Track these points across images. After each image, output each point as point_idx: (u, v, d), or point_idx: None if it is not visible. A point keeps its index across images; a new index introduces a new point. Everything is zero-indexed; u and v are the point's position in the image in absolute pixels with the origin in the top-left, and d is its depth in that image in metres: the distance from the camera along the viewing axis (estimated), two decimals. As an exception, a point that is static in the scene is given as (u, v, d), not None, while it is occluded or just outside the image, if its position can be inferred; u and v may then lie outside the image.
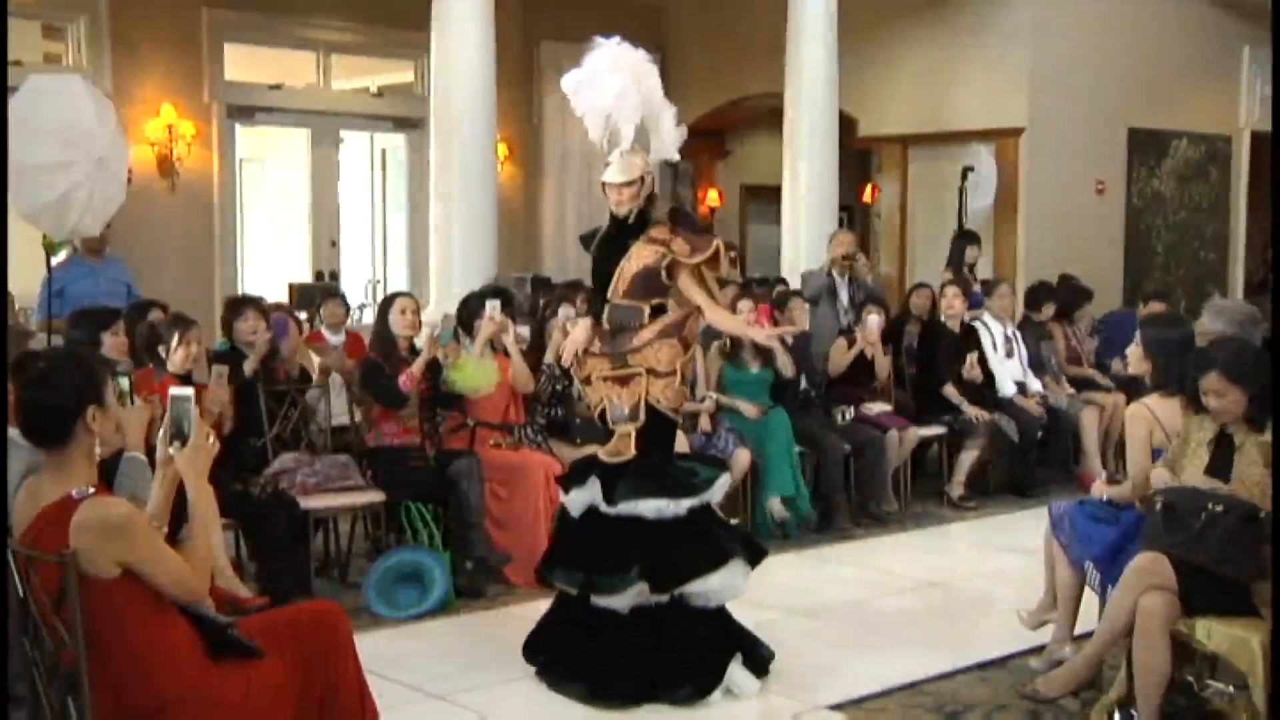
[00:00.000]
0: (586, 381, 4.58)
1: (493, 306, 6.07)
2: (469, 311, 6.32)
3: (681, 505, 4.36)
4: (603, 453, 4.48)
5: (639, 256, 4.48)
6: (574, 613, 4.44)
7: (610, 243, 4.55)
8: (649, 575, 4.26)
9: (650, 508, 4.33)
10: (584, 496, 4.46)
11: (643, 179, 4.48)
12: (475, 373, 5.93)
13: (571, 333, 4.66)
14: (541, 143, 11.44)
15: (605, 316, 4.53)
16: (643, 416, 4.44)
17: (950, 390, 7.74)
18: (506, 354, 6.16)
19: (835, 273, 8.16)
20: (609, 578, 4.29)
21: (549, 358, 6.35)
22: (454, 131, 7.96)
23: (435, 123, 8.18)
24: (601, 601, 4.31)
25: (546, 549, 4.76)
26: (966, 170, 10.05)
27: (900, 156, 10.97)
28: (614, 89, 4.41)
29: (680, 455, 4.85)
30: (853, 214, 13.49)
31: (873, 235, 11.60)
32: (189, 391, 3.05)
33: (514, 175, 11.32)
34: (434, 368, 5.93)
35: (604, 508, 4.38)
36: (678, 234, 4.52)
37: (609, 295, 4.52)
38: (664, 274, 4.47)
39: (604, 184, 4.51)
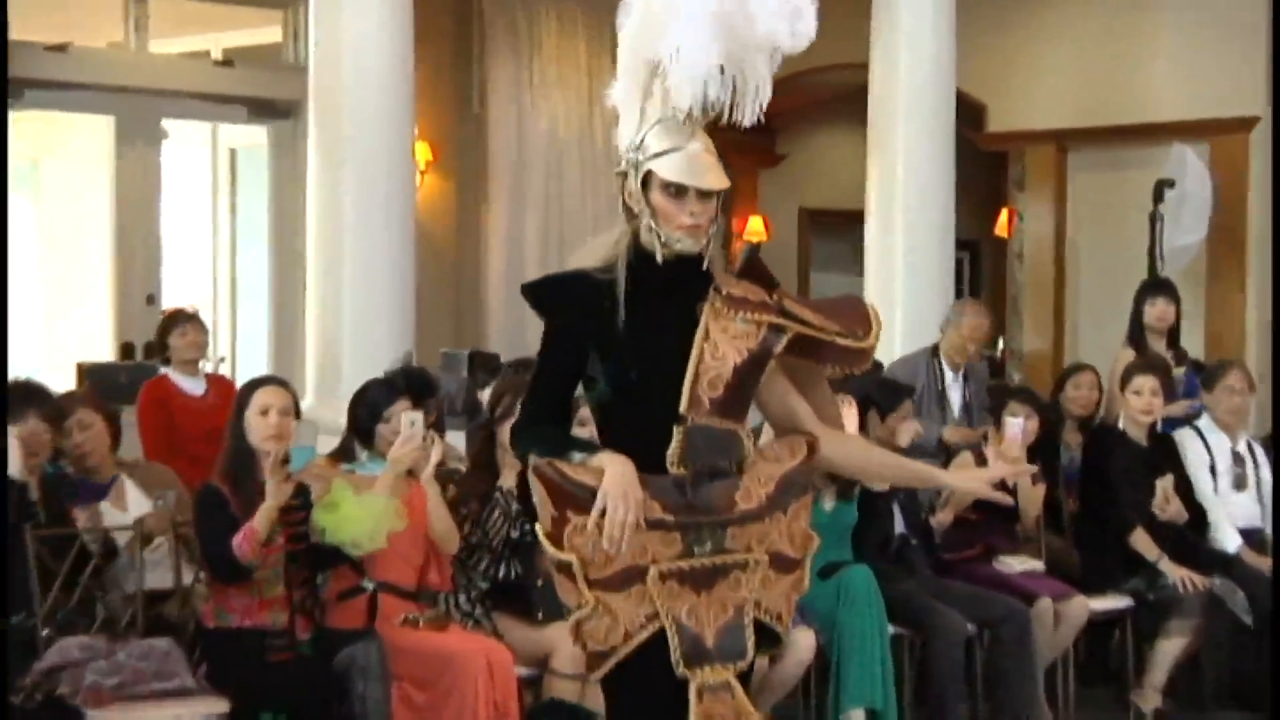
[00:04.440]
0: (612, 585, 3.90)
1: (412, 421, 6.07)
2: (369, 410, 6.34)
3: None
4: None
5: (729, 335, 4.02)
6: None
7: (659, 305, 4.02)
8: None
9: None
10: None
11: None
12: (357, 514, 5.89)
13: (608, 487, 3.85)
14: (486, 140, 11.51)
15: (676, 449, 3.97)
16: (751, 649, 3.98)
17: (1141, 538, 7.73)
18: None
19: (945, 363, 8.29)
20: None
21: (506, 481, 6.36)
22: (347, 123, 8.03)
23: (316, 109, 8.25)
24: None
25: None
26: (1162, 186, 10.05)
27: (1055, 164, 10.97)
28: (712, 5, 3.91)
29: None
30: (977, 255, 13.43)
31: (1011, 288, 11.62)
32: None
33: (442, 191, 11.40)
34: (301, 503, 5.90)
35: None
36: (785, 294, 4.14)
37: (684, 407, 3.96)
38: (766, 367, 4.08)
39: (675, 189, 3.94)
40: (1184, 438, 8.18)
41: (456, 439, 7.15)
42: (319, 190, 8.26)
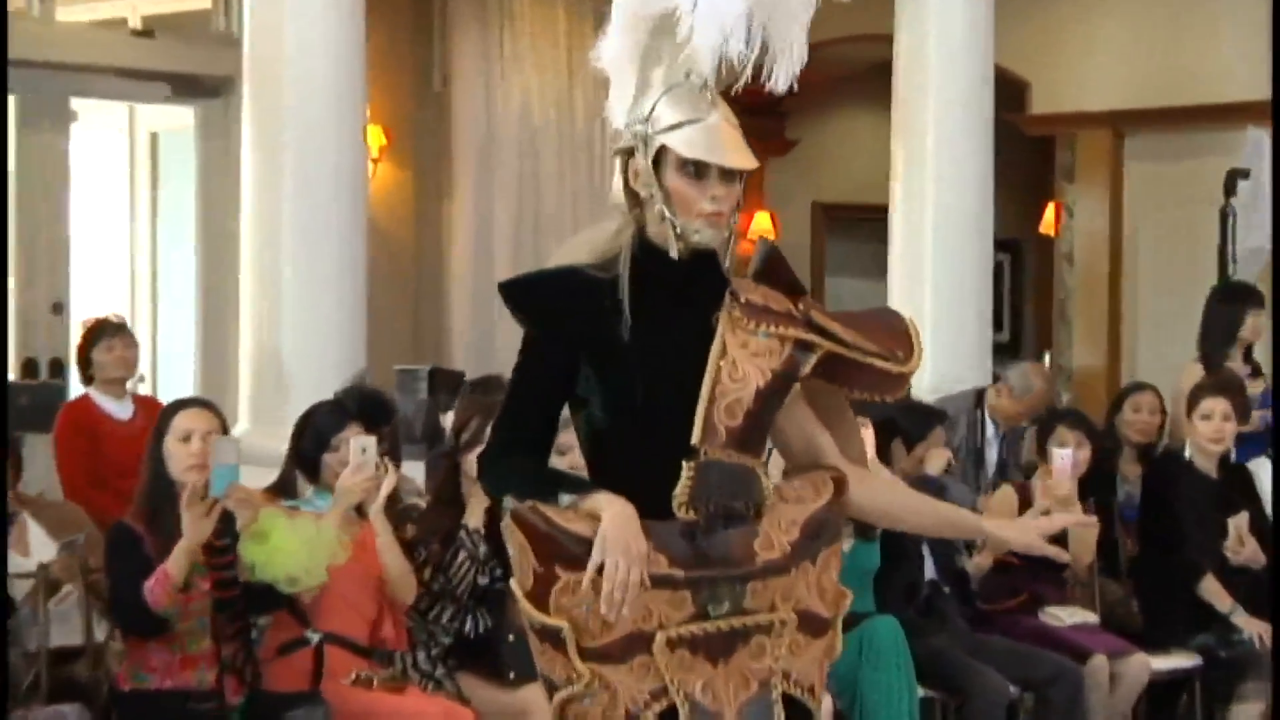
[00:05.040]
0: (610, 656, 3.70)
1: (363, 448, 5.97)
2: (314, 437, 6.31)
3: None
4: None
5: (749, 352, 3.80)
6: None
7: (669, 311, 3.82)
8: None
9: None
10: None
11: None
12: (291, 544, 5.78)
13: (607, 536, 3.64)
14: (449, 123, 11.54)
15: (685, 488, 3.76)
16: None
17: (1212, 586, 7.59)
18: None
19: (990, 414, 8.59)
20: None
21: (472, 519, 6.23)
22: (286, 103, 8.01)
23: (251, 86, 8.24)
24: None
25: None
26: (1235, 176, 10.05)
27: (1109, 151, 11.12)
28: None
29: None
30: (1020, 256, 13.64)
31: (1059, 294, 11.71)
32: None
33: (398, 182, 11.46)
34: (228, 542, 5.76)
35: None
36: (811, 303, 3.90)
37: (697, 438, 3.76)
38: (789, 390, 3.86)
39: (695, 168, 3.75)
40: (1260, 468, 8.09)
41: (415, 470, 7.10)
42: (254, 180, 8.19)
